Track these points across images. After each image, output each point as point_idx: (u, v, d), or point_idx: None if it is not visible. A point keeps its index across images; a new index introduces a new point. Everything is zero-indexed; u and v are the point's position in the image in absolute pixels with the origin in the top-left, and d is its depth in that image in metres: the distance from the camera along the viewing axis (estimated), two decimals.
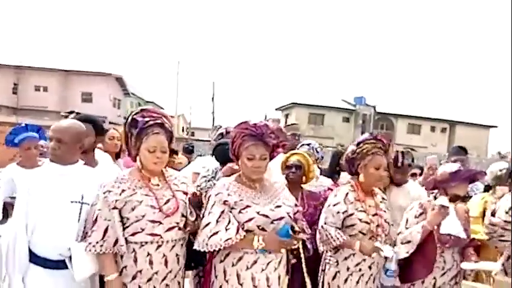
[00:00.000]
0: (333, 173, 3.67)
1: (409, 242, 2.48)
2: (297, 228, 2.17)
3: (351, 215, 2.42)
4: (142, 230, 1.95)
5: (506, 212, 2.61)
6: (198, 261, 2.28)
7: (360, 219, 2.41)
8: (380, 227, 2.43)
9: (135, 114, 2.04)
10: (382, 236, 2.42)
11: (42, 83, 26.86)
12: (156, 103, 36.61)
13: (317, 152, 3.44)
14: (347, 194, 2.48)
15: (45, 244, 1.96)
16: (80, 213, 2.02)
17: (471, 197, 3.57)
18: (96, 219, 1.94)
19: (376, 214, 2.45)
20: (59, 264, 1.97)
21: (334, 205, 2.45)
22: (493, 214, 2.73)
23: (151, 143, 1.99)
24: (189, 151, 5.76)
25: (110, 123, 24.48)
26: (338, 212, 2.42)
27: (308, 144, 3.47)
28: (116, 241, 1.94)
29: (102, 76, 27.98)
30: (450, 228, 2.48)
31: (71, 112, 3.18)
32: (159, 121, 2.05)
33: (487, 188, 3.51)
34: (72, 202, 2.02)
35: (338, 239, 2.37)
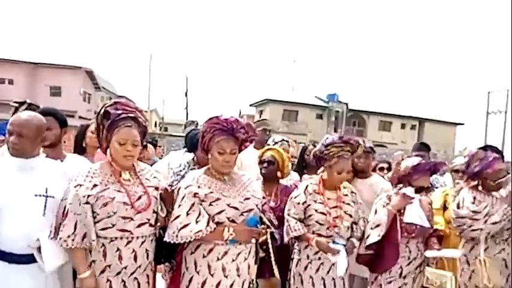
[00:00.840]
0: (300, 168, 3.75)
1: (378, 225, 2.60)
2: (265, 220, 2.25)
3: (309, 205, 2.52)
4: (113, 225, 1.95)
5: (473, 203, 2.76)
6: (167, 256, 2.29)
7: (316, 210, 2.50)
8: (339, 218, 2.51)
9: (108, 106, 2.03)
10: (341, 228, 2.50)
11: (8, 75, 25.71)
12: (128, 97, 35.84)
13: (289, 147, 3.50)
14: (307, 186, 2.59)
15: (10, 239, 1.91)
16: (45, 207, 1.98)
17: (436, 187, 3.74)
18: (66, 214, 1.91)
19: (336, 206, 2.54)
20: (23, 259, 1.93)
21: (295, 197, 2.57)
22: (458, 207, 2.85)
23: (122, 135, 1.98)
24: (152, 145, 5.83)
25: (80, 117, 23.79)
26: (298, 203, 2.53)
27: (287, 141, 3.53)
28: (84, 236, 1.92)
29: (72, 69, 27.08)
30: (413, 218, 2.61)
31: (23, 103, 3.06)
32: (132, 115, 2.04)
33: None
34: (36, 196, 1.97)
35: (296, 230, 2.47)
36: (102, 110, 2.02)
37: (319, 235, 2.49)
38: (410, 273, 2.66)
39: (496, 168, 2.73)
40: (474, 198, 2.80)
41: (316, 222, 2.50)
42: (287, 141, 3.63)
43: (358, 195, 2.74)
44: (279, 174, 2.97)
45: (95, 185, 1.95)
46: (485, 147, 2.87)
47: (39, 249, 1.92)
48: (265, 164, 2.94)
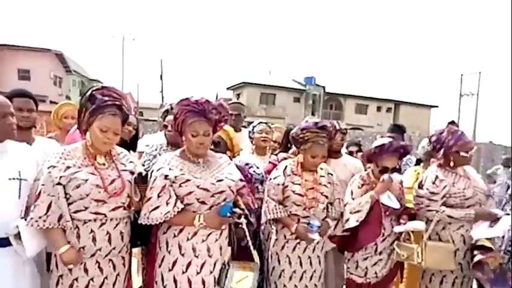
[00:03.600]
0: (285, 149, 3.72)
1: (358, 211, 2.64)
2: (241, 204, 2.25)
3: (287, 186, 2.53)
4: (86, 208, 1.94)
5: (433, 182, 2.80)
6: (143, 239, 2.29)
7: (293, 191, 2.52)
8: (315, 200, 2.54)
9: (95, 90, 2.00)
10: (317, 210, 2.54)
11: None
12: (101, 81, 34.83)
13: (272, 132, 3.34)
14: (286, 167, 2.59)
15: None
16: (19, 190, 1.97)
17: (402, 170, 3.80)
18: (39, 194, 1.89)
19: (312, 188, 2.56)
20: (2, 242, 1.91)
21: (274, 178, 2.57)
22: (420, 187, 2.90)
23: (105, 123, 1.97)
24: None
25: (51, 102, 23.00)
26: (278, 184, 2.54)
27: (266, 123, 3.36)
28: (60, 217, 1.91)
29: (41, 52, 25.95)
30: (385, 199, 2.66)
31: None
32: (118, 102, 2.02)
33: (419, 162, 3.75)
34: (10, 179, 1.95)
35: (275, 213, 2.49)
36: (89, 93, 1.99)
37: (295, 215, 2.53)
38: (385, 249, 2.75)
39: (466, 140, 2.77)
40: (436, 177, 2.80)
41: (293, 203, 2.52)
42: (265, 123, 3.43)
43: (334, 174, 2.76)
44: (228, 153, 2.89)
45: (68, 167, 1.93)
46: (453, 122, 2.88)
47: (16, 235, 1.90)
48: (212, 146, 2.85)
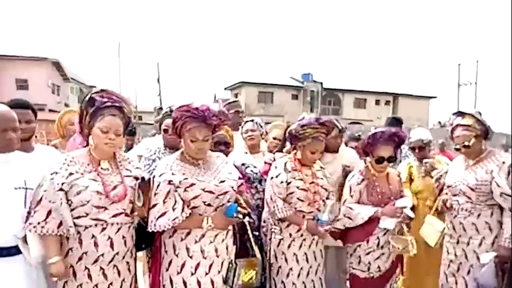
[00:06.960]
0: (284, 147, 3.75)
1: (351, 219, 2.66)
2: (242, 202, 2.25)
3: (290, 183, 2.54)
4: (87, 214, 1.93)
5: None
6: (148, 242, 2.30)
7: (298, 187, 2.53)
8: (317, 194, 2.57)
9: (94, 93, 2.01)
10: (320, 203, 2.57)
11: None
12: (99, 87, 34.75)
13: (261, 127, 3.34)
14: (285, 163, 2.59)
15: None
16: (25, 199, 1.98)
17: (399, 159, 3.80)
18: (40, 200, 1.91)
19: (312, 182, 2.59)
20: (9, 251, 1.94)
21: (276, 176, 2.56)
22: None
23: (105, 123, 1.97)
24: (130, 133, 5.42)
25: (50, 111, 22.98)
26: (281, 182, 2.53)
27: (252, 120, 3.36)
28: (60, 224, 1.92)
29: (37, 61, 25.93)
30: (383, 223, 2.66)
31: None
32: (117, 104, 2.03)
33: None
34: (16, 189, 1.97)
35: (284, 212, 2.50)
36: (88, 97, 2.00)
37: (300, 211, 2.55)
38: (386, 243, 2.71)
39: (454, 134, 2.67)
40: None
41: (298, 199, 2.53)
42: (251, 120, 3.37)
43: (331, 168, 2.78)
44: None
45: (70, 173, 1.93)
46: (462, 113, 2.70)
47: (24, 239, 1.93)
48: (221, 146, 2.80)
